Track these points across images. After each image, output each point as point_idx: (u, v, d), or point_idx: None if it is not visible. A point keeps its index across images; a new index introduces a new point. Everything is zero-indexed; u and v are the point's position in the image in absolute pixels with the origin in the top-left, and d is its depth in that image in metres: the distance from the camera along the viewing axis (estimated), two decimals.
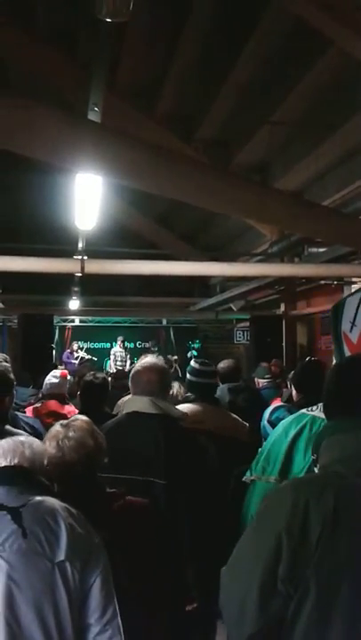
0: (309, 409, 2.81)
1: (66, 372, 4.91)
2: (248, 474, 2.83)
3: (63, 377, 4.73)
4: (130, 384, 2.64)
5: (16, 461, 1.81)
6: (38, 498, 1.72)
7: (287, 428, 2.81)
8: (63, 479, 1.94)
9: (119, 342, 14.60)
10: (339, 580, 1.27)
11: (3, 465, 1.81)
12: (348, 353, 4.82)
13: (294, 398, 3.39)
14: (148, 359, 2.80)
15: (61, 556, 1.63)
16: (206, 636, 2.62)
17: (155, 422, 2.44)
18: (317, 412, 2.71)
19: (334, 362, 2.77)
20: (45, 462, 1.91)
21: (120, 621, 1.69)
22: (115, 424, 2.58)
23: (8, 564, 1.60)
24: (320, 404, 2.55)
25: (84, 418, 2.09)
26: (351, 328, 4.92)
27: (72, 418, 2.12)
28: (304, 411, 2.84)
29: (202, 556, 1.50)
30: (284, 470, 2.66)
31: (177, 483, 2.33)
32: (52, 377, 4.72)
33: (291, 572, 1.29)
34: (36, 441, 1.97)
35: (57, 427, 2.04)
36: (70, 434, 1.98)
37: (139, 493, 2.16)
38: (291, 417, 2.92)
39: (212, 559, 1.45)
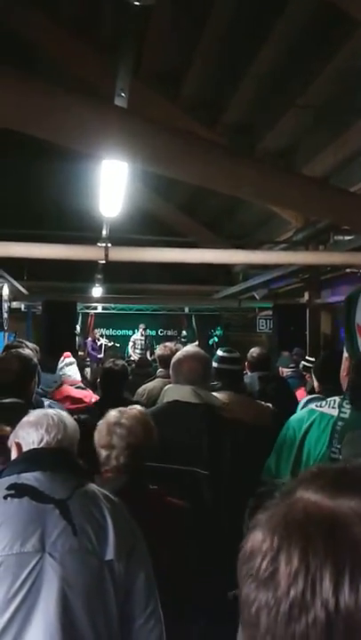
0: (318, 405, 2.74)
1: (69, 353, 5.02)
2: (265, 474, 2.77)
3: (67, 357, 4.80)
4: (171, 372, 2.63)
5: (60, 438, 1.75)
6: (82, 487, 1.67)
7: (297, 424, 2.75)
8: (107, 463, 1.95)
9: (140, 330, 14.57)
10: None
11: (44, 444, 1.73)
12: None
13: (316, 389, 3.36)
14: (190, 347, 2.78)
15: (110, 554, 1.59)
16: None
17: (197, 412, 2.42)
18: (326, 408, 2.60)
19: (345, 355, 2.68)
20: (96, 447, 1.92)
21: (161, 611, 1.68)
22: (156, 413, 2.57)
23: (61, 566, 1.54)
24: (329, 400, 2.50)
25: (139, 408, 2.12)
26: None
27: (130, 406, 2.13)
28: (313, 407, 2.78)
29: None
30: (295, 470, 2.62)
31: (220, 473, 2.33)
32: (63, 363, 4.84)
33: None
34: (66, 414, 1.92)
35: (114, 411, 2.06)
36: (122, 421, 1.99)
37: (181, 483, 2.16)
38: (300, 413, 2.85)
39: None
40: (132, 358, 12.86)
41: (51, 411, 1.85)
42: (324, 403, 2.64)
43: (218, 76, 7.32)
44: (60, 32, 6.92)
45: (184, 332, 15.46)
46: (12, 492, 1.59)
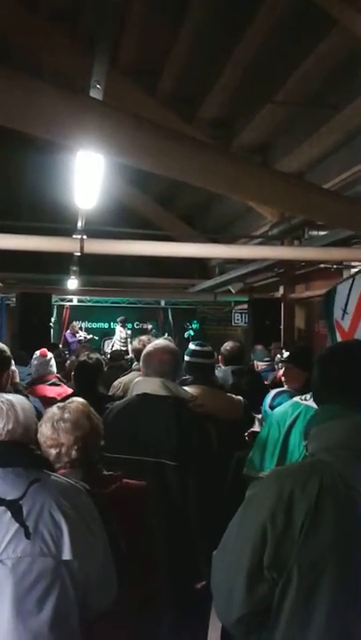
0: (303, 398, 2.76)
1: (45, 350, 4.78)
2: (248, 468, 2.79)
3: (43, 356, 4.63)
4: (141, 365, 2.64)
5: (10, 428, 1.65)
6: (37, 482, 1.60)
7: (280, 419, 2.78)
8: (59, 461, 1.91)
9: (119, 323, 14.34)
10: (321, 567, 1.30)
11: None
12: (340, 340, 4.81)
13: (284, 384, 3.40)
14: (160, 340, 2.79)
15: (67, 554, 1.55)
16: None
17: (165, 404, 2.43)
18: (311, 401, 2.63)
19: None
20: (42, 444, 1.86)
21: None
22: (125, 405, 2.57)
23: (14, 572, 1.50)
24: None
25: (80, 400, 2.05)
26: (343, 315, 4.92)
27: (69, 400, 2.06)
28: (298, 399, 2.80)
29: (209, 536, 1.52)
30: (281, 462, 2.63)
31: (187, 465, 2.34)
32: (34, 359, 4.64)
33: (275, 559, 1.32)
34: (22, 398, 1.83)
35: (53, 408, 2.00)
36: (66, 415, 1.93)
37: (149, 474, 2.15)
38: (283, 407, 2.88)
39: (218, 540, 1.48)
40: (108, 351, 12.74)
41: (3, 397, 1.73)
42: (308, 396, 2.66)
43: (196, 70, 7.32)
44: (35, 22, 6.84)
45: (150, 326, 15.25)
46: None
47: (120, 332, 14.19)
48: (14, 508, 1.53)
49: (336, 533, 1.31)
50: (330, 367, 1.58)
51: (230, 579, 1.39)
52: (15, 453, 1.64)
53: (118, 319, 14.29)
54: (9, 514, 1.53)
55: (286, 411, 2.80)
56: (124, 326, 14.17)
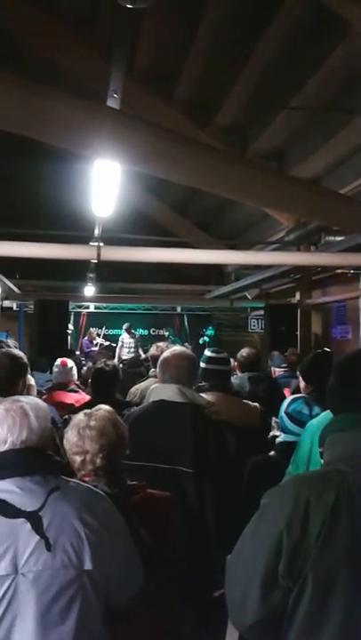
0: None
1: (66, 360, 4.85)
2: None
3: (63, 365, 4.72)
4: (157, 371, 2.64)
5: (24, 437, 1.61)
6: (56, 490, 1.57)
7: (314, 431, 2.66)
8: (83, 468, 1.90)
9: (125, 329, 14.03)
10: (336, 575, 1.31)
11: (9, 446, 1.59)
12: None
13: (302, 390, 3.36)
14: (177, 347, 2.79)
15: (89, 564, 1.52)
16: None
17: (182, 411, 2.43)
18: None
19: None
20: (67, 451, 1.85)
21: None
22: (141, 412, 2.57)
23: (36, 585, 1.47)
24: None
25: (106, 407, 2.02)
26: None
27: (95, 407, 2.03)
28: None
29: (227, 544, 1.52)
30: None
31: (204, 472, 2.33)
32: (55, 367, 4.76)
33: (290, 567, 1.33)
34: (37, 401, 1.79)
35: (80, 415, 1.98)
36: (92, 423, 1.92)
37: (166, 482, 2.14)
38: (318, 419, 2.77)
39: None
40: (123, 358, 12.71)
41: (15, 404, 1.67)
42: None
43: (211, 77, 7.34)
44: (53, 32, 6.91)
45: (167, 333, 15.19)
46: None
47: (126, 339, 14.05)
48: (34, 519, 1.51)
49: (351, 542, 1.31)
50: (345, 376, 1.58)
51: (245, 585, 1.39)
52: (32, 461, 1.60)
53: (124, 326, 14.15)
54: (29, 526, 1.50)
55: (320, 421, 2.75)
56: (130, 332, 14.10)
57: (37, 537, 1.49)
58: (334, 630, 1.30)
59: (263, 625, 1.39)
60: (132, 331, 14.09)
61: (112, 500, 1.71)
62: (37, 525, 1.50)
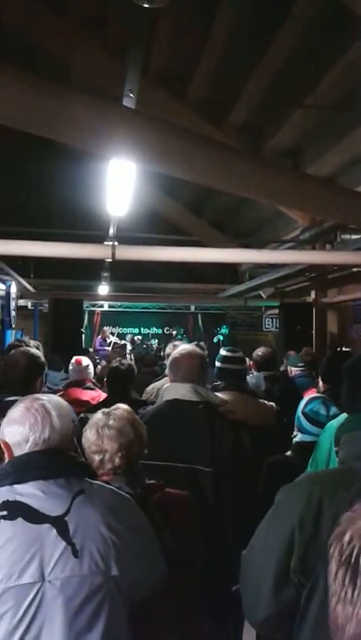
0: None
1: (81, 358, 4.85)
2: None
3: (78, 364, 4.74)
4: (168, 372, 2.63)
5: (46, 436, 1.55)
6: (81, 494, 1.53)
7: (332, 432, 2.67)
8: (102, 467, 1.89)
9: (129, 341, 14.17)
10: None
11: (31, 445, 1.54)
12: None
13: (320, 389, 3.34)
14: (187, 346, 2.78)
15: (115, 570, 1.49)
16: None
17: (197, 410, 2.43)
18: None
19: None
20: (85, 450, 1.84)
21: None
22: (155, 411, 2.57)
23: (63, 592, 1.43)
24: None
25: (125, 407, 2.01)
26: None
27: (114, 406, 2.01)
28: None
29: (244, 542, 1.52)
30: None
31: (221, 471, 2.33)
32: (70, 365, 4.80)
33: (302, 563, 1.34)
34: (58, 399, 1.73)
35: (99, 414, 1.97)
36: (110, 422, 1.91)
37: (183, 481, 2.14)
38: (336, 420, 2.73)
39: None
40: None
41: (36, 402, 1.61)
42: None
43: (226, 76, 7.33)
44: (68, 32, 6.94)
45: (175, 332, 15.24)
46: (5, 512, 1.46)
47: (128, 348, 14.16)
48: (60, 525, 1.47)
49: None
50: (356, 376, 1.57)
51: (258, 580, 1.41)
52: (56, 463, 1.56)
53: (127, 338, 14.22)
54: (54, 531, 1.46)
55: (340, 422, 2.71)
56: (133, 343, 14.20)
57: (64, 543, 1.46)
58: None
59: (276, 619, 1.40)
60: (136, 340, 14.23)
61: (135, 501, 1.70)
62: (63, 531, 1.46)
